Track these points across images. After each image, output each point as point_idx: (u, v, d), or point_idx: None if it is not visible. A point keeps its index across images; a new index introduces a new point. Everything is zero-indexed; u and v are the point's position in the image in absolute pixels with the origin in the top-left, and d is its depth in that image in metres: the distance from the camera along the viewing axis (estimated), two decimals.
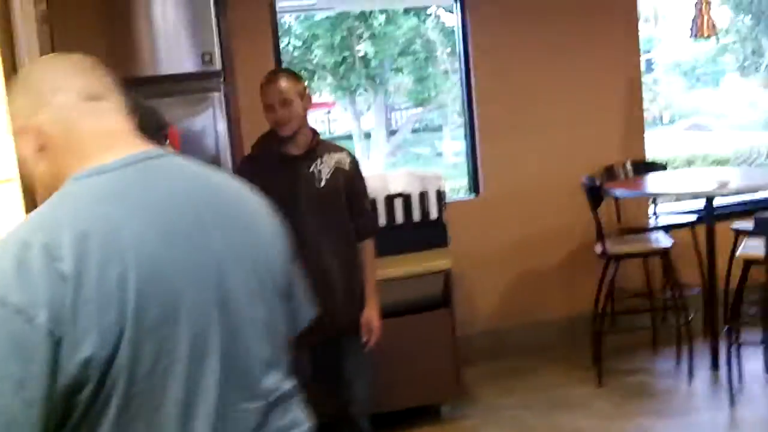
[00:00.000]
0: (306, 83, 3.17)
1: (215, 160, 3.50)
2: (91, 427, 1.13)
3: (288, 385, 1.36)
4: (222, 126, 3.63)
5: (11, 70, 2.53)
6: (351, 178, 3.14)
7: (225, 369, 1.22)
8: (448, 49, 11.72)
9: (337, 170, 3.09)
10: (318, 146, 3.09)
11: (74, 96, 1.29)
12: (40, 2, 3.42)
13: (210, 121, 3.61)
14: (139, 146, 1.32)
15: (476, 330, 5.09)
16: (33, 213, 1.21)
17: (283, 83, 2.99)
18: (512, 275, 5.21)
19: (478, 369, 4.85)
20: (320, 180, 3.04)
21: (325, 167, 3.05)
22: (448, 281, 4.06)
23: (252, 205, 1.40)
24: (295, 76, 3.10)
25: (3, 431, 1.06)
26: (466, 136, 5.35)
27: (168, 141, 3.52)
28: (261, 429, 1.28)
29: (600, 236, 4.44)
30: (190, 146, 3.57)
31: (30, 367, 1.06)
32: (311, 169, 3.04)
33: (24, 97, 1.31)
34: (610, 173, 5.21)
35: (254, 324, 1.29)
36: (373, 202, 4.36)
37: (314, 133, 3.12)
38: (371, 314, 3.17)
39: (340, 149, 3.19)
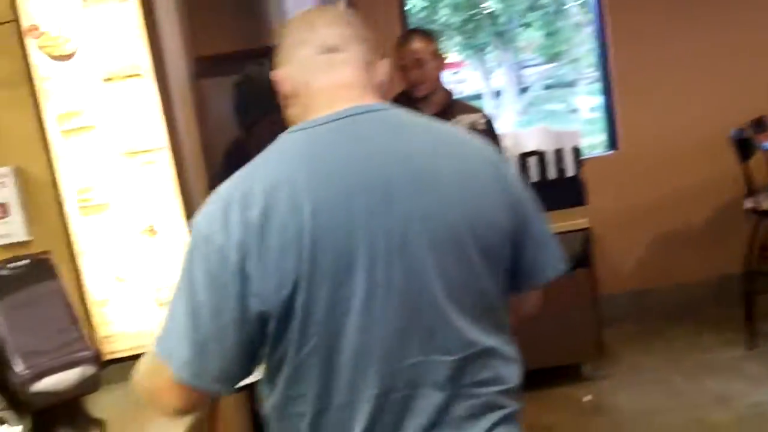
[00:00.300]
0: (439, 43, 3.12)
1: None
2: (278, 360, 1.30)
3: (492, 341, 1.36)
4: None
5: (154, 42, 2.63)
6: (487, 138, 3.10)
7: (405, 323, 1.27)
8: (580, 1, 11.34)
9: (472, 131, 3.06)
10: (453, 106, 3.07)
11: (313, 49, 1.38)
12: None
13: None
14: (357, 100, 1.36)
15: (618, 290, 4.97)
16: (250, 163, 1.34)
17: (417, 44, 2.97)
18: (654, 234, 5.04)
19: (620, 329, 4.74)
20: None
21: (459, 129, 3.03)
22: (588, 240, 3.97)
23: (468, 162, 1.37)
24: (429, 36, 3.06)
25: (200, 350, 1.25)
26: (602, 90, 5.18)
27: None
28: (453, 382, 1.31)
29: (751, 191, 4.21)
30: None
31: (223, 297, 1.24)
32: None
33: (281, 48, 1.42)
34: (759, 125, 4.91)
35: (445, 282, 1.29)
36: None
37: (449, 93, 3.09)
38: None
39: (476, 110, 3.17)
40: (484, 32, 12.31)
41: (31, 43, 2.57)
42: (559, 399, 3.94)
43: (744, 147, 4.15)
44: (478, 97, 14.34)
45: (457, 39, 12.97)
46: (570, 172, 4.35)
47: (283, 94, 1.43)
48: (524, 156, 4.33)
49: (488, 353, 1.35)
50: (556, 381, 4.07)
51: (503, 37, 12.68)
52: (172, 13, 3.04)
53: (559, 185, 4.33)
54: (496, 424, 1.36)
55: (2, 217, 2.77)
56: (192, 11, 3.61)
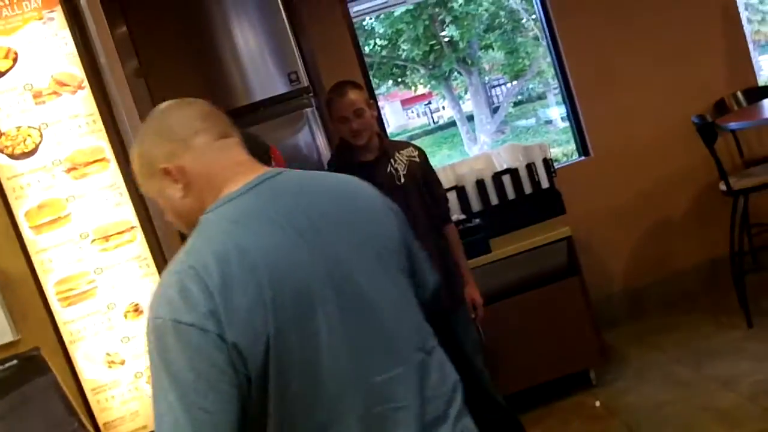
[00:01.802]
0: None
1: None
2: (261, 420, 1.33)
3: (431, 343, 1.51)
4: (321, 139, 3.71)
5: (113, 126, 2.68)
6: (424, 168, 3.25)
7: (366, 343, 1.38)
8: (534, 15, 11.52)
9: (411, 164, 3.19)
10: (388, 147, 3.17)
11: (210, 136, 1.46)
12: (131, 60, 3.60)
13: (308, 137, 3.70)
14: (259, 170, 1.47)
15: (612, 292, 5.01)
16: (181, 249, 1.37)
17: (353, 95, 3.08)
18: (638, 231, 5.08)
19: (621, 330, 4.77)
20: (399, 177, 3.14)
21: (400, 164, 3.15)
22: (572, 248, 4.00)
23: (366, 198, 1.56)
24: (359, 86, 3.20)
25: (209, 426, 1.26)
26: (564, 99, 5.26)
27: (274, 163, 3.64)
28: (420, 388, 1.42)
29: (722, 174, 4.27)
30: (294, 165, 3.68)
31: (216, 366, 1.26)
32: (389, 170, 3.14)
33: (165, 143, 1.46)
34: (721, 108, 4.99)
35: (387, 301, 1.44)
36: (481, 182, 4.37)
37: (380, 136, 3.21)
38: (472, 291, 3.30)
39: (406, 144, 3.30)
40: (447, 60, 12.46)
41: None
42: (572, 409, 3.94)
43: (708, 132, 4.21)
44: (452, 124, 14.47)
45: (422, 71, 13.12)
46: (544, 184, 4.40)
47: (177, 186, 1.45)
48: (497, 175, 4.39)
49: (434, 355, 1.50)
50: (567, 391, 4.07)
51: (466, 62, 12.83)
52: (128, 96, 3.10)
53: (535, 199, 4.38)
54: (457, 418, 1.50)
55: None
56: (152, 90, 3.69)
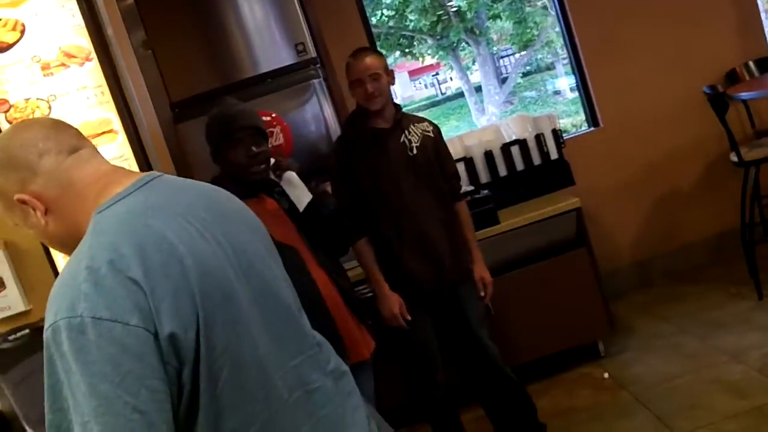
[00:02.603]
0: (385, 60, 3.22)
1: (328, 145, 3.58)
2: (191, 416, 1.26)
3: (318, 336, 1.54)
4: (328, 110, 3.70)
5: (121, 98, 2.68)
6: (437, 144, 3.24)
7: (279, 329, 1.40)
8: None
9: (425, 138, 3.18)
10: (403, 119, 3.16)
11: (57, 155, 1.37)
12: (137, 30, 3.59)
13: (316, 108, 3.69)
14: (133, 175, 1.43)
15: (621, 263, 5.00)
16: (78, 248, 1.28)
17: (370, 59, 3.06)
18: (648, 202, 5.07)
19: (628, 302, 4.77)
20: (412, 149, 3.12)
21: (414, 136, 3.14)
22: (581, 219, 3.99)
23: (237, 202, 1.54)
24: (379, 53, 3.18)
25: (142, 425, 1.16)
26: (573, 69, 5.22)
27: (282, 135, 3.64)
28: (325, 368, 1.47)
29: (733, 144, 4.24)
30: (302, 137, 3.68)
31: (143, 361, 1.18)
32: (402, 140, 3.12)
33: (11, 173, 1.37)
34: (732, 78, 4.95)
35: (286, 289, 1.48)
36: (490, 153, 4.36)
37: (398, 107, 3.19)
38: (481, 270, 3.28)
39: (422, 119, 3.29)
40: (455, 31, 12.37)
41: (1, 118, 2.62)
42: (580, 380, 3.96)
43: (719, 102, 4.18)
44: (460, 95, 14.40)
45: (430, 42, 13.04)
46: (553, 155, 4.38)
47: (37, 213, 1.38)
48: (506, 146, 4.37)
49: (321, 338, 1.54)
50: (575, 362, 4.08)
51: (474, 33, 12.73)
52: (136, 67, 3.09)
53: (544, 170, 4.37)
54: (352, 389, 1.54)
55: None
56: (159, 61, 3.68)
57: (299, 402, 1.37)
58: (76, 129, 1.46)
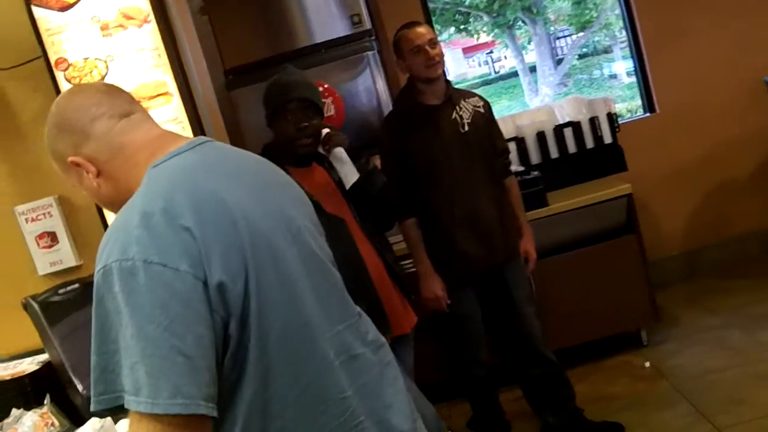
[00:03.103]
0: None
1: (379, 119, 3.57)
2: (239, 370, 1.27)
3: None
4: (381, 83, 3.69)
5: (177, 61, 2.70)
6: (488, 119, 3.21)
7: (323, 295, 1.40)
8: None
9: (476, 114, 3.15)
10: (454, 93, 3.13)
11: (109, 120, 1.41)
12: None
13: (369, 81, 3.68)
14: (185, 138, 1.45)
15: (669, 252, 4.93)
16: (131, 199, 1.30)
17: (423, 28, 3.05)
18: (700, 191, 4.97)
19: (674, 292, 4.70)
20: (463, 125, 3.09)
21: (465, 112, 3.11)
22: (632, 206, 3.93)
23: (284, 176, 1.56)
24: (428, 26, 3.16)
25: (186, 368, 1.17)
26: (632, 53, 5.12)
27: (333, 106, 3.64)
28: (365, 338, 1.47)
29: None
30: (353, 109, 3.68)
31: (190, 307, 1.20)
32: (453, 116, 3.10)
33: (66, 136, 1.42)
34: None
35: (327, 258, 1.48)
36: (542, 134, 4.31)
37: (447, 82, 3.16)
38: (527, 244, 3.29)
39: (472, 94, 3.26)
40: (512, 9, 12.20)
41: (60, 76, 2.66)
42: (620, 368, 3.92)
43: None
44: (514, 74, 14.25)
45: (486, 19, 12.89)
46: (607, 139, 4.32)
47: (90, 176, 1.42)
48: (559, 128, 4.32)
49: (361, 310, 1.54)
50: (616, 350, 4.05)
51: (531, 12, 12.54)
52: (193, 32, 3.11)
53: (597, 154, 4.31)
54: (391, 361, 1.55)
55: (53, 245, 2.89)
56: (215, 28, 3.69)
57: (344, 366, 1.39)
58: (129, 94, 1.50)
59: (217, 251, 1.23)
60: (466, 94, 3.24)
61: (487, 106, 3.23)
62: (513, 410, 3.53)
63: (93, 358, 1.23)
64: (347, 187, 2.66)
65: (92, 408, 1.24)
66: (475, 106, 3.16)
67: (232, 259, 1.25)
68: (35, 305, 2.38)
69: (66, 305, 2.39)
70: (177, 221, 1.23)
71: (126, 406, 1.19)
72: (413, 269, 3.20)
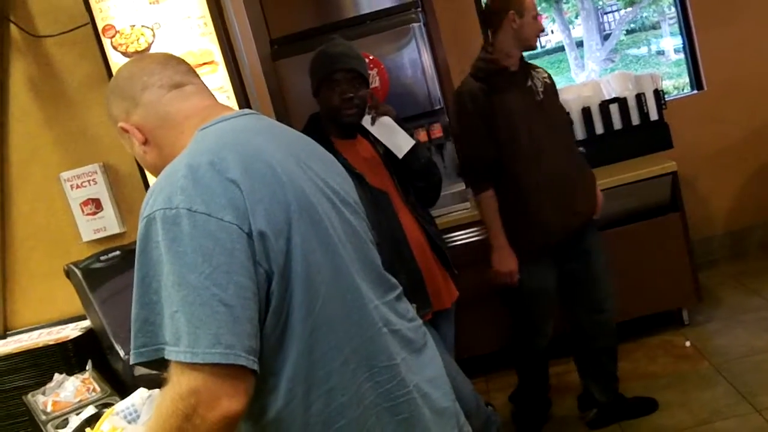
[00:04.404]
0: None
1: (423, 90, 3.56)
2: (286, 316, 1.26)
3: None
4: (426, 56, 3.67)
5: (223, 30, 2.71)
6: (555, 90, 3.22)
7: (360, 266, 1.39)
8: None
9: (546, 84, 3.14)
10: (526, 64, 3.12)
11: (159, 89, 1.44)
12: None
13: (414, 53, 3.66)
14: (233, 109, 1.48)
15: (714, 231, 4.86)
16: (180, 155, 1.32)
17: None
18: (746, 171, 4.88)
19: (718, 271, 4.64)
20: (538, 93, 3.08)
21: (537, 81, 3.10)
22: (677, 184, 3.87)
23: (326, 153, 1.56)
24: None
25: (227, 318, 1.16)
26: (681, 29, 5.02)
27: (378, 78, 3.63)
28: (401, 314, 1.46)
29: None
30: (398, 80, 3.67)
31: (233, 257, 1.19)
32: (528, 84, 3.08)
33: (119, 101, 1.46)
34: None
35: (365, 234, 1.48)
36: (587, 110, 4.25)
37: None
38: (600, 200, 3.27)
39: (536, 66, 3.23)
40: None
41: (107, 43, 2.69)
42: (661, 346, 3.89)
43: None
44: (560, 48, 14.07)
45: None
46: (653, 116, 4.25)
47: (137, 142, 1.46)
48: (605, 104, 4.26)
49: (400, 288, 1.52)
50: (657, 328, 4.02)
51: None
52: (239, 1, 3.11)
53: (643, 130, 4.25)
54: (428, 337, 1.54)
55: (97, 212, 2.93)
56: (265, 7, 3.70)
57: (391, 335, 1.39)
58: (188, 65, 1.52)
59: (263, 206, 1.23)
60: (533, 65, 3.21)
61: (551, 78, 3.21)
62: (556, 384, 3.54)
63: (134, 309, 1.23)
64: (400, 155, 2.64)
65: (132, 360, 1.23)
66: (543, 77, 3.15)
67: (276, 215, 1.25)
68: (77, 272, 2.42)
69: (107, 272, 2.43)
70: (224, 174, 1.23)
71: (166, 357, 1.18)
72: (458, 243, 3.17)
